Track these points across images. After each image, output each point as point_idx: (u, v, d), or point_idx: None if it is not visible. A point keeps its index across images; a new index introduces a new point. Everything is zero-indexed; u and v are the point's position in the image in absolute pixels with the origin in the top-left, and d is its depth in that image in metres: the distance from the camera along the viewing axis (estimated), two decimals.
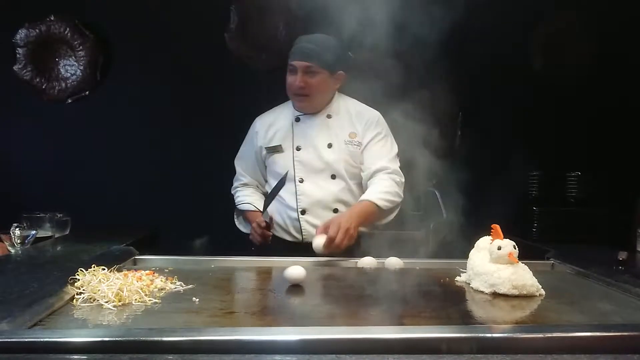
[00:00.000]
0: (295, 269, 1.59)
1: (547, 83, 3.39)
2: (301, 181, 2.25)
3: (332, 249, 1.94)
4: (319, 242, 1.94)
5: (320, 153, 2.25)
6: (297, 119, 2.30)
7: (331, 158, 2.25)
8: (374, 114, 2.32)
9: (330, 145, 2.26)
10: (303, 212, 2.24)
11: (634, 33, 3.29)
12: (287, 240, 2.28)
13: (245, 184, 2.41)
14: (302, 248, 2.18)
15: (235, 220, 2.46)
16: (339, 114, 2.31)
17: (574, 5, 3.38)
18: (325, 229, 1.97)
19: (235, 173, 2.46)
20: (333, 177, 2.26)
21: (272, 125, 2.33)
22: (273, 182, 2.29)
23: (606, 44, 3.32)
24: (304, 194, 2.24)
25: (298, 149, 2.27)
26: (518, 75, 3.36)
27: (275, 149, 2.29)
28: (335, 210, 2.24)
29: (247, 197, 2.36)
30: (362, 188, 2.28)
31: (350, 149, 2.26)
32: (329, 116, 2.30)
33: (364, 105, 2.36)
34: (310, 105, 2.27)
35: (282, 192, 2.24)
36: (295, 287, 1.58)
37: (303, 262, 1.95)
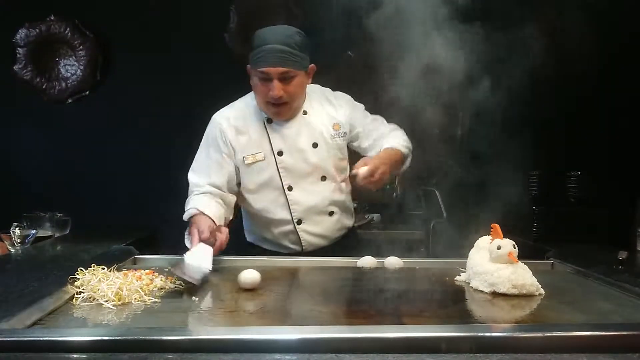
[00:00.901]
0: (249, 272, 1.53)
1: (548, 81, 3.38)
2: (290, 189, 2.05)
3: (369, 182, 1.89)
4: (360, 172, 1.91)
5: (305, 155, 2.05)
6: (269, 120, 2.06)
7: (319, 158, 2.06)
8: (346, 97, 2.19)
9: (315, 145, 2.06)
10: (299, 222, 2.07)
11: (634, 31, 3.28)
12: (283, 253, 2.12)
13: (201, 193, 2.01)
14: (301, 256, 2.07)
15: (186, 239, 1.95)
16: (314, 108, 2.11)
17: (574, 4, 3.38)
18: (364, 164, 1.93)
19: None
20: (323, 178, 2.08)
21: (241, 128, 2.06)
22: (252, 197, 2.08)
23: (608, 42, 3.32)
24: (296, 202, 2.06)
25: (280, 153, 2.04)
26: (518, 73, 3.35)
27: (255, 157, 2.04)
28: (331, 214, 2.11)
29: (196, 202, 1.94)
30: (347, 183, 2.15)
31: (338, 142, 2.10)
32: (304, 112, 2.09)
33: (329, 89, 2.19)
34: (289, 112, 2.03)
35: (268, 206, 2.07)
36: (295, 287, 1.58)
37: (302, 261, 1.97)
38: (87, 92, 3.41)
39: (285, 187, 2.05)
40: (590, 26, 3.35)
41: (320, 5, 3.31)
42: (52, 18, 3.32)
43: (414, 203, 3.13)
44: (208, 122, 2.15)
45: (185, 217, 1.95)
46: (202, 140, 2.11)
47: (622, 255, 1.89)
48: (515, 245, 1.52)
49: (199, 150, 2.11)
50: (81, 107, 3.42)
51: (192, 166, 2.10)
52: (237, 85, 3.30)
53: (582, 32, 3.34)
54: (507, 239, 1.52)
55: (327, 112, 2.12)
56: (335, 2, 3.15)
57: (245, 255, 2.04)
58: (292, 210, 2.06)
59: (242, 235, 2.26)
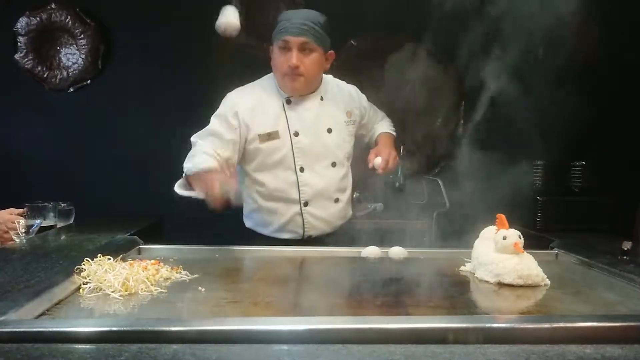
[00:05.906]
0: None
1: (551, 70, 3.36)
2: (302, 170, 2.08)
3: (388, 170, 2.13)
4: (377, 164, 2.11)
5: (321, 138, 2.10)
6: (289, 101, 2.10)
7: (332, 143, 2.12)
8: (354, 88, 2.31)
9: (330, 130, 2.12)
10: (306, 204, 2.10)
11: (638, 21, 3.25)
12: (284, 239, 2.13)
13: (203, 152, 1.95)
14: (301, 244, 2.07)
15: (178, 188, 1.97)
16: (328, 95, 2.17)
17: None
18: (377, 154, 2.12)
19: None
20: (334, 164, 2.13)
21: (257, 107, 2.07)
22: (265, 177, 2.08)
23: (612, 31, 3.30)
24: (307, 184, 2.09)
25: (296, 134, 2.07)
26: (521, 61, 3.33)
27: (271, 136, 2.05)
28: (336, 200, 2.15)
29: (204, 157, 1.92)
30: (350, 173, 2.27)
31: (350, 129, 2.20)
32: (322, 98, 2.15)
33: (339, 80, 2.29)
34: (304, 87, 2.06)
35: (279, 184, 2.08)
36: (300, 277, 1.57)
37: (306, 251, 1.96)
38: (89, 81, 3.39)
39: (298, 168, 2.09)
40: (595, 12, 3.32)
41: None
42: (53, 6, 3.29)
43: (416, 192, 3.13)
44: (209, 110, 2.12)
45: (198, 168, 1.86)
46: (215, 113, 2.09)
47: (627, 245, 1.88)
48: (521, 236, 1.51)
49: (211, 122, 2.07)
50: (83, 96, 3.40)
51: (200, 132, 2.06)
52: (239, 71, 3.29)
53: (588, 23, 3.32)
54: (513, 229, 1.52)
55: (340, 100, 2.20)
56: None
57: (243, 243, 2.04)
58: (301, 192, 2.10)
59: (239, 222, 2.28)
